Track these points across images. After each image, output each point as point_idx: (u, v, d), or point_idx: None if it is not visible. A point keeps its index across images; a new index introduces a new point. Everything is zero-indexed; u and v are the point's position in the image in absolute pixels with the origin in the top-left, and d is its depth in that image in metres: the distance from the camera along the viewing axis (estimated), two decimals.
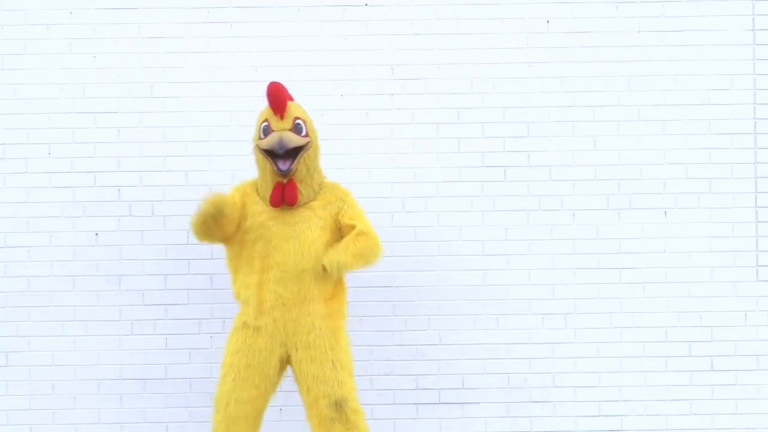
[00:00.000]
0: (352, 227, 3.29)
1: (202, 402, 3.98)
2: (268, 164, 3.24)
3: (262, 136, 3.25)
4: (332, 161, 3.92)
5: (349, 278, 3.95)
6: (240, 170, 3.98)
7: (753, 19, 4.08)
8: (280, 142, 3.18)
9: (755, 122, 4.07)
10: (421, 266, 4.02)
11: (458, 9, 4.07)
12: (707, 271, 4.04)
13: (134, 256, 4.02)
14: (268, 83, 3.24)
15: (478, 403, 4.01)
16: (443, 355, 4.02)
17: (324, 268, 3.21)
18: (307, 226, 3.27)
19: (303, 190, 3.28)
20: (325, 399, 3.18)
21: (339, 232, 3.33)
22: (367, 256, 3.27)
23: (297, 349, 3.23)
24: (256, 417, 3.27)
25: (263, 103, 3.24)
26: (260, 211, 3.30)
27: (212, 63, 4.05)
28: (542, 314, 4.03)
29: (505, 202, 4.04)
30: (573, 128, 4.06)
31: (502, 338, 4.02)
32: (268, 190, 3.28)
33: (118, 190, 4.03)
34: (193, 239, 3.98)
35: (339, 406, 3.18)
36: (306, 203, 3.30)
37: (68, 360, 4.00)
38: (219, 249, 3.99)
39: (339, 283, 3.37)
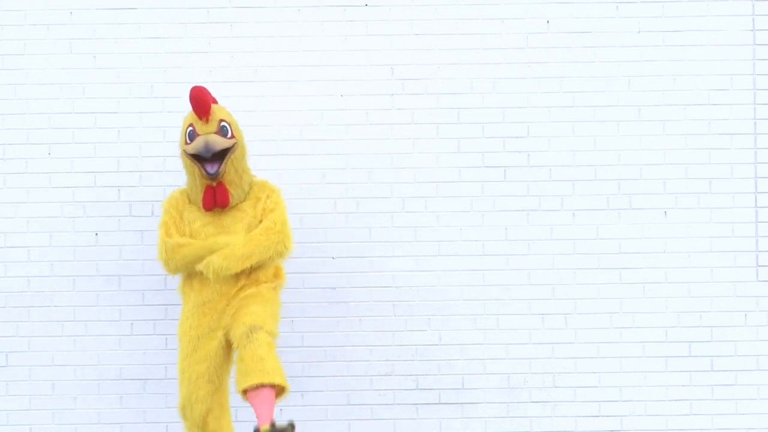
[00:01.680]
0: (262, 223, 3.35)
1: None
2: (196, 169, 3.28)
3: (188, 141, 3.29)
4: (332, 161, 3.93)
5: (349, 278, 3.95)
6: None
7: (753, 19, 4.08)
8: (206, 146, 3.21)
9: (755, 122, 4.07)
10: (421, 266, 4.02)
11: (458, 9, 4.07)
12: (707, 271, 4.04)
13: (134, 256, 4.02)
14: (190, 88, 3.28)
15: (478, 403, 4.01)
16: (443, 355, 4.02)
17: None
18: (240, 227, 3.33)
19: (233, 192, 3.34)
20: (240, 328, 3.19)
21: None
22: (260, 255, 3.29)
23: (232, 315, 3.29)
24: (224, 404, 3.41)
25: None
26: (194, 218, 3.37)
27: (212, 63, 4.05)
28: (542, 314, 4.02)
29: (505, 202, 4.04)
30: (573, 128, 4.06)
31: (502, 338, 4.02)
32: (198, 195, 3.34)
33: (118, 190, 4.03)
34: None
35: (251, 331, 3.17)
36: (237, 204, 3.36)
37: (68, 360, 4.00)
38: None
39: (278, 272, 3.44)
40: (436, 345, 4.02)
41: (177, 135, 4.00)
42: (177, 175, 4.02)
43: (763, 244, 4.04)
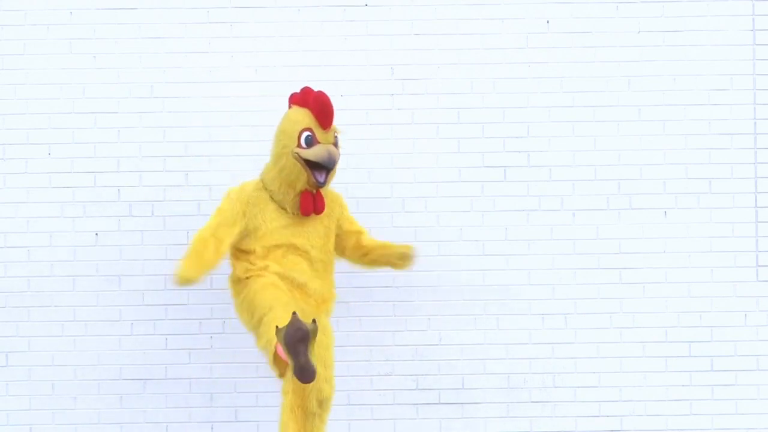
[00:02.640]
0: (357, 232, 3.44)
1: (202, 402, 3.98)
2: (303, 174, 3.20)
3: (304, 146, 3.20)
4: None
5: (349, 278, 3.95)
6: (240, 170, 3.99)
7: (753, 19, 4.08)
8: (331, 158, 3.17)
9: (755, 122, 4.07)
10: (421, 266, 4.01)
11: (458, 9, 4.07)
12: (707, 271, 4.04)
13: (134, 256, 4.02)
14: (316, 92, 3.23)
15: (478, 403, 4.01)
16: (443, 355, 4.02)
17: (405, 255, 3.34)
18: (317, 236, 3.33)
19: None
20: (313, 393, 3.22)
21: (336, 236, 3.40)
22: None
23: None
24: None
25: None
26: (273, 218, 3.27)
27: (212, 63, 4.05)
28: (542, 314, 4.03)
29: (505, 202, 4.04)
30: (573, 128, 4.06)
31: (502, 338, 4.02)
32: (286, 198, 3.26)
33: (118, 190, 4.03)
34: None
35: (324, 403, 3.26)
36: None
37: (68, 360, 4.00)
38: None
39: (332, 287, 3.44)
40: (436, 345, 4.02)
41: (177, 135, 4.02)
42: (177, 175, 4.02)
43: (763, 244, 4.04)
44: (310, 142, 3.20)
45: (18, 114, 4.03)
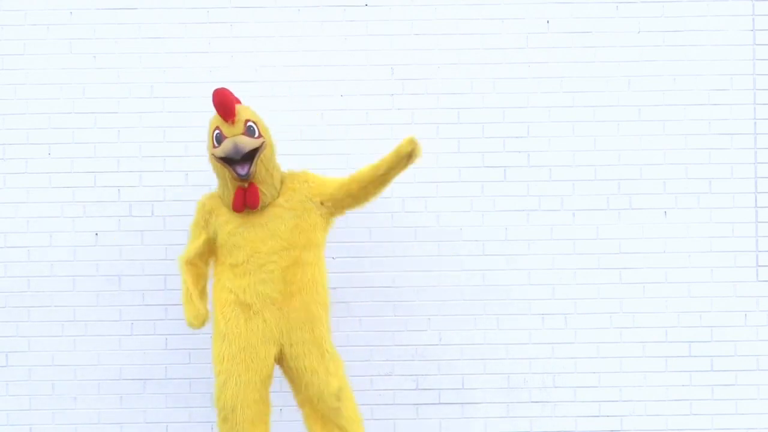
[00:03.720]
0: (342, 184, 3.32)
1: (202, 402, 3.98)
2: (226, 171, 3.22)
3: (216, 145, 3.22)
4: (332, 161, 3.92)
5: (349, 278, 3.95)
6: None
7: (753, 19, 4.08)
8: (235, 148, 3.16)
9: (755, 122, 4.07)
10: (421, 266, 4.02)
11: (458, 9, 4.07)
12: (707, 271, 4.04)
13: (134, 256, 4.02)
14: (213, 91, 3.22)
15: (478, 403, 4.01)
16: (443, 355, 4.02)
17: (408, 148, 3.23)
18: (280, 221, 3.27)
19: (265, 191, 3.27)
20: (328, 388, 3.22)
21: (322, 207, 3.33)
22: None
23: (292, 345, 3.24)
24: (264, 418, 3.28)
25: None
26: (227, 220, 3.30)
27: (212, 63, 4.05)
28: (542, 314, 4.03)
29: (505, 202, 4.04)
30: (573, 128, 4.06)
31: (502, 338, 4.02)
32: (230, 198, 3.28)
33: (118, 190, 4.03)
34: None
35: (340, 393, 3.25)
36: (271, 202, 3.30)
37: (68, 360, 4.00)
38: None
39: (319, 272, 3.33)
40: (436, 345, 4.02)
41: (177, 135, 4.03)
42: (177, 175, 4.02)
43: (763, 244, 4.04)
44: (220, 138, 3.22)
45: (18, 114, 4.03)
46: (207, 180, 4.00)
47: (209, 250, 3.35)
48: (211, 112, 4.04)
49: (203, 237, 3.33)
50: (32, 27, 4.04)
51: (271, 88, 4.03)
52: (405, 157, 3.25)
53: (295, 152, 4.01)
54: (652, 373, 4.02)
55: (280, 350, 3.27)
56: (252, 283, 3.23)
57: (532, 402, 4.02)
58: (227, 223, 3.29)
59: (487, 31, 4.07)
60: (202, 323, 3.24)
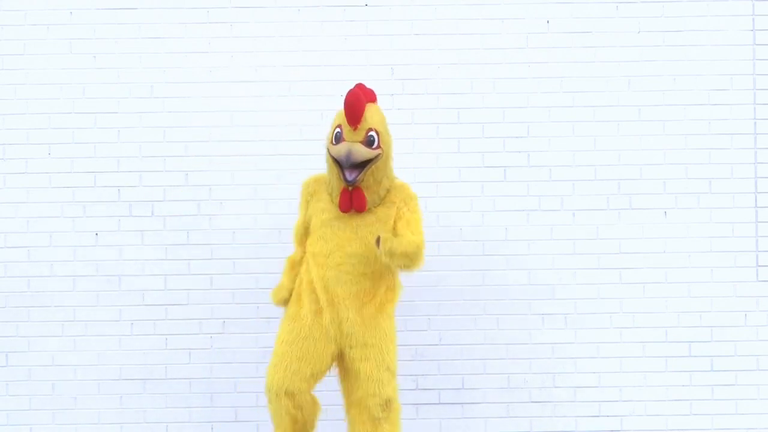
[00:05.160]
0: (406, 232, 3.26)
1: (202, 402, 3.98)
2: (335, 170, 3.22)
3: (334, 142, 3.21)
4: None
5: None
6: (240, 170, 3.99)
7: (753, 19, 4.08)
8: (348, 156, 3.14)
9: (755, 122, 4.07)
10: None
11: (458, 9, 4.07)
12: (707, 271, 4.04)
13: (134, 256, 4.02)
14: (348, 91, 3.18)
15: (478, 403, 4.01)
16: (443, 355, 4.02)
17: (377, 242, 3.17)
18: (370, 231, 3.25)
19: (368, 197, 3.26)
20: (375, 398, 3.19)
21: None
22: (409, 259, 3.21)
23: (351, 347, 3.23)
24: (309, 407, 3.27)
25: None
26: (324, 208, 3.30)
27: (212, 63, 4.05)
28: (542, 314, 4.03)
29: (505, 202, 4.04)
30: (573, 128, 4.06)
31: (502, 338, 4.02)
32: (335, 191, 3.28)
33: (118, 190, 4.03)
34: (193, 239, 4.02)
35: (387, 405, 3.21)
36: (371, 208, 3.28)
37: (68, 360, 4.00)
38: (219, 249, 4.00)
39: (393, 285, 3.36)
40: (436, 345, 4.02)
41: (177, 135, 4.03)
42: (177, 175, 4.02)
43: (763, 244, 4.04)
44: (339, 138, 3.20)
45: (18, 114, 4.03)
46: (207, 180, 4.01)
47: (307, 231, 3.37)
48: (210, 112, 4.05)
49: (303, 215, 3.37)
50: (32, 27, 4.04)
51: (271, 88, 4.03)
52: (386, 257, 3.18)
53: (296, 152, 4.01)
54: (652, 373, 4.02)
55: (341, 351, 3.26)
56: (327, 278, 3.23)
57: (532, 402, 4.02)
58: (324, 211, 3.29)
59: (487, 31, 4.07)
60: (283, 300, 3.34)
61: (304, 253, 3.35)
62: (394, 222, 3.28)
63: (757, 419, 4.01)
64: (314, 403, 3.28)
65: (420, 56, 4.06)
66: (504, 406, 4.01)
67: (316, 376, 3.24)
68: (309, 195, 3.38)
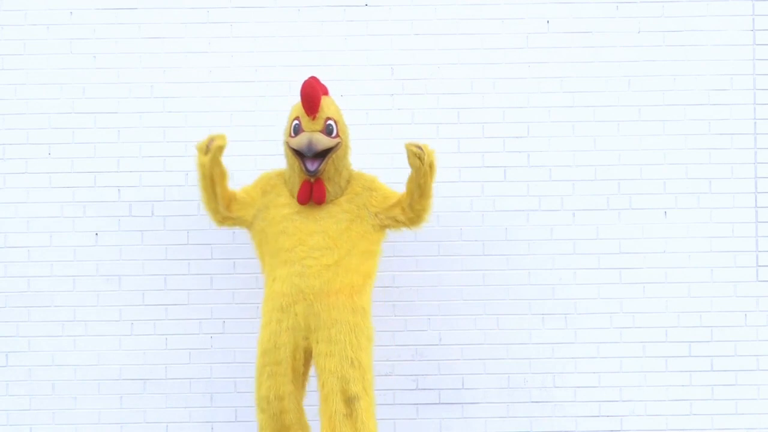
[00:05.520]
0: (398, 202, 3.34)
1: (202, 402, 3.98)
2: (296, 162, 3.25)
3: (293, 134, 3.25)
4: None
5: None
6: (240, 170, 3.98)
7: (753, 19, 4.08)
8: (309, 145, 3.18)
9: (755, 122, 4.07)
10: (421, 266, 4.02)
11: (458, 9, 4.07)
12: (707, 272, 4.04)
13: (134, 256, 4.02)
14: (304, 80, 3.22)
15: (478, 403, 4.01)
16: (443, 355, 4.02)
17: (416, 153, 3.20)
18: (334, 221, 3.28)
19: (330, 188, 3.30)
20: (338, 395, 3.20)
21: (375, 218, 3.35)
22: (430, 199, 3.34)
23: (318, 343, 3.25)
24: (299, 408, 3.33)
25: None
26: (285, 203, 3.32)
27: (212, 63, 4.05)
28: (542, 314, 4.03)
29: (505, 202, 4.04)
30: (573, 128, 4.06)
31: (502, 338, 4.02)
32: (295, 186, 3.31)
33: (118, 190, 4.03)
34: (193, 239, 4.01)
35: (351, 402, 3.21)
36: (333, 199, 3.32)
37: (68, 360, 4.00)
38: (219, 249, 4.01)
39: (366, 278, 3.35)
40: (436, 345, 4.02)
41: (177, 135, 4.02)
42: (177, 175, 4.03)
43: (763, 244, 4.04)
44: (297, 130, 3.24)
45: (18, 114, 4.03)
46: None
47: (240, 206, 3.38)
48: (210, 112, 4.05)
49: (253, 197, 3.38)
50: (32, 27, 4.04)
51: (271, 88, 4.03)
52: (422, 167, 3.22)
53: None
54: (652, 373, 4.02)
55: (309, 345, 3.29)
56: (289, 274, 3.24)
57: (532, 402, 4.02)
58: (285, 206, 3.32)
59: (487, 31, 4.07)
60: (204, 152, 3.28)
61: (234, 198, 3.38)
62: (368, 210, 3.32)
63: (757, 419, 4.01)
64: (303, 424, 3.33)
65: (420, 56, 4.06)
66: (504, 406, 4.01)
67: (298, 377, 3.30)
68: (269, 186, 3.40)
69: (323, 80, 4.02)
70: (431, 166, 3.24)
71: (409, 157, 3.23)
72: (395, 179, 4.01)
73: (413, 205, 3.33)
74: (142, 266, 4.01)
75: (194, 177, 3.99)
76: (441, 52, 4.06)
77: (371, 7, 4.07)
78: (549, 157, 4.05)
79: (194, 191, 3.98)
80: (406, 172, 4.02)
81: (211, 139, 3.26)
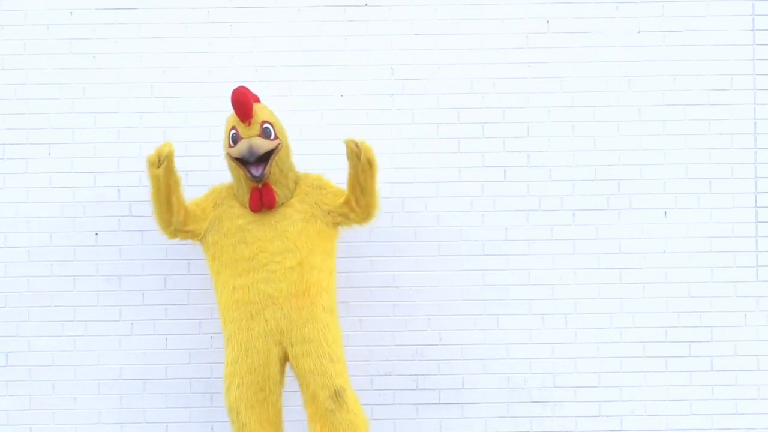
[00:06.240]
0: (345, 199, 3.37)
1: (202, 402, 3.98)
2: (241, 171, 3.26)
3: (232, 144, 3.26)
4: (332, 161, 3.91)
5: (349, 278, 3.96)
6: None
7: (753, 19, 4.08)
8: (250, 150, 3.19)
9: (755, 122, 4.07)
10: (421, 266, 4.02)
11: (458, 9, 4.07)
12: (707, 271, 4.04)
13: (134, 256, 4.02)
14: (233, 90, 3.24)
15: (478, 403, 4.01)
16: (443, 355, 4.02)
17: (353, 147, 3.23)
18: (289, 222, 3.31)
19: (279, 191, 3.33)
20: (324, 391, 3.22)
21: (328, 216, 3.38)
22: (375, 197, 3.39)
23: (293, 345, 3.26)
24: (273, 418, 3.32)
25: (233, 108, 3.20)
26: (238, 214, 3.35)
27: (212, 63, 4.05)
28: (542, 314, 4.03)
29: (505, 202, 4.04)
30: (573, 128, 4.06)
31: (502, 338, 4.02)
32: (245, 196, 3.33)
33: (118, 190, 4.03)
34: None
35: (338, 395, 3.23)
36: (284, 202, 3.35)
37: (68, 360, 4.00)
38: None
39: (330, 275, 3.39)
40: (436, 345, 4.02)
41: (177, 135, 4.02)
42: None
43: (763, 244, 4.04)
44: (236, 139, 3.25)
45: (18, 114, 4.03)
46: (207, 180, 3.99)
47: (192, 219, 3.36)
48: (210, 112, 4.05)
49: (204, 209, 3.38)
50: (32, 27, 4.04)
51: (271, 88, 4.03)
52: (359, 163, 3.26)
53: (295, 152, 3.99)
54: (652, 373, 4.02)
55: (284, 351, 3.28)
56: (254, 282, 3.26)
57: (532, 402, 4.02)
58: (239, 217, 3.33)
59: (487, 31, 4.07)
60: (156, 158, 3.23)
61: (186, 211, 3.35)
62: (321, 208, 3.36)
63: (757, 419, 4.01)
64: (276, 413, 3.34)
65: (420, 56, 4.06)
66: (504, 406, 4.01)
67: (269, 384, 3.29)
68: (220, 199, 3.41)
69: (323, 80, 4.04)
70: (370, 162, 3.27)
71: (347, 154, 3.26)
72: (395, 179, 4.03)
73: (359, 201, 3.37)
74: (142, 266, 4.01)
75: (194, 177, 4.01)
76: (441, 52, 4.06)
77: (371, 7, 4.07)
78: (549, 157, 4.05)
79: (194, 191, 3.99)
80: (407, 172, 4.04)
81: (159, 152, 3.22)
